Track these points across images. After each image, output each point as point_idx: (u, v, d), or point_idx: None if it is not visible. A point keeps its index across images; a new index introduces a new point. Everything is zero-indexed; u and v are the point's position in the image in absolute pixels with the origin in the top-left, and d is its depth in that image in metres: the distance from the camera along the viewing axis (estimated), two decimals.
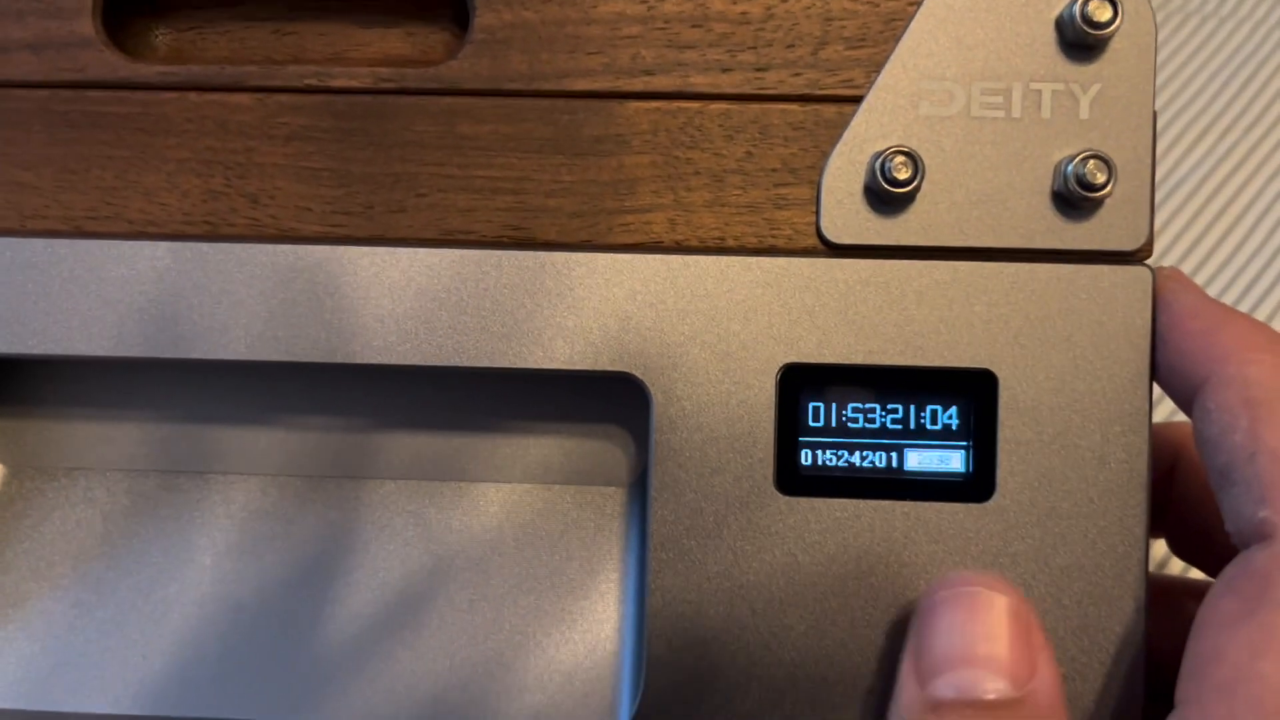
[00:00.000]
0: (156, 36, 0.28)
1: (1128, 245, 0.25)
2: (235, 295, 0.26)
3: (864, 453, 0.26)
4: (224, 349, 0.26)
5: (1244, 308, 0.40)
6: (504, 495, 0.29)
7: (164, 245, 0.26)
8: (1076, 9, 0.25)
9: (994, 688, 0.21)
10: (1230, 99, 0.43)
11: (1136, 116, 0.25)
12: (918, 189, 0.25)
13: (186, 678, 0.27)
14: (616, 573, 0.28)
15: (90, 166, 0.26)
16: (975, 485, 0.25)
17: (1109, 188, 0.25)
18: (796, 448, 0.26)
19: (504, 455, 0.29)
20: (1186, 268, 0.40)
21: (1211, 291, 0.40)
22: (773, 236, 0.26)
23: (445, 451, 0.29)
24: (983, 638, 0.22)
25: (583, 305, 0.26)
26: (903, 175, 0.25)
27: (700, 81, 0.26)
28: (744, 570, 0.25)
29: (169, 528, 0.29)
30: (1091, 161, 0.24)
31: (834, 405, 0.26)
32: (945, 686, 0.22)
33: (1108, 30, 0.24)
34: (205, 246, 0.26)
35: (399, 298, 0.26)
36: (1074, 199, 0.25)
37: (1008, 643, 0.22)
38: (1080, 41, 0.25)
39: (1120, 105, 0.25)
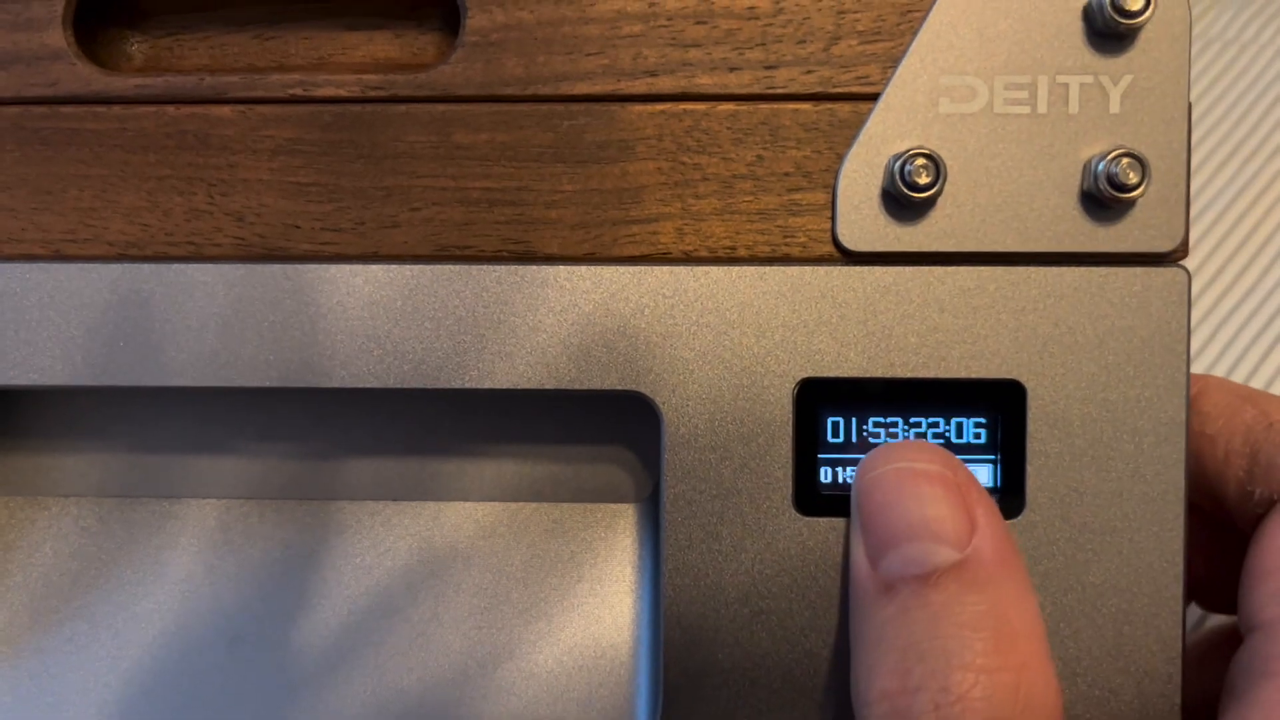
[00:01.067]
0: (132, 45, 0.26)
1: (1162, 247, 0.24)
2: (224, 319, 0.25)
3: None
4: (214, 376, 0.25)
5: (1270, 334, 0.38)
6: (511, 514, 0.28)
7: (147, 268, 0.25)
8: None
9: (937, 554, 0.21)
10: (1253, 125, 0.42)
11: (1171, 110, 0.24)
12: (939, 192, 0.24)
13: (188, 710, 0.26)
14: (630, 595, 0.27)
15: (67, 186, 0.25)
16: (1004, 500, 0.24)
17: (1142, 187, 0.23)
18: (815, 465, 0.25)
19: (510, 473, 0.28)
20: (1211, 294, 0.39)
21: (1238, 316, 0.39)
22: (786, 245, 0.24)
23: (444, 471, 0.28)
24: (917, 508, 0.22)
25: (588, 321, 0.24)
26: (924, 180, 0.23)
27: (706, 82, 0.24)
28: (762, 595, 0.24)
29: (164, 555, 0.28)
30: (1124, 160, 0.23)
31: (854, 420, 0.25)
32: (892, 563, 0.22)
33: (1140, 19, 0.23)
34: (190, 268, 0.25)
35: (394, 318, 0.25)
36: (1105, 199, 0.23)
37: (942, 508, 0.22)
38: (1110, 31, 0.23)
39: (1153, 98, 0.24)
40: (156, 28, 0.26)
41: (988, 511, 0.22)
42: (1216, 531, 0.27)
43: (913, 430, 0.25)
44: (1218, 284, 0.40)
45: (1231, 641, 0.27)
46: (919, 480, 0.22)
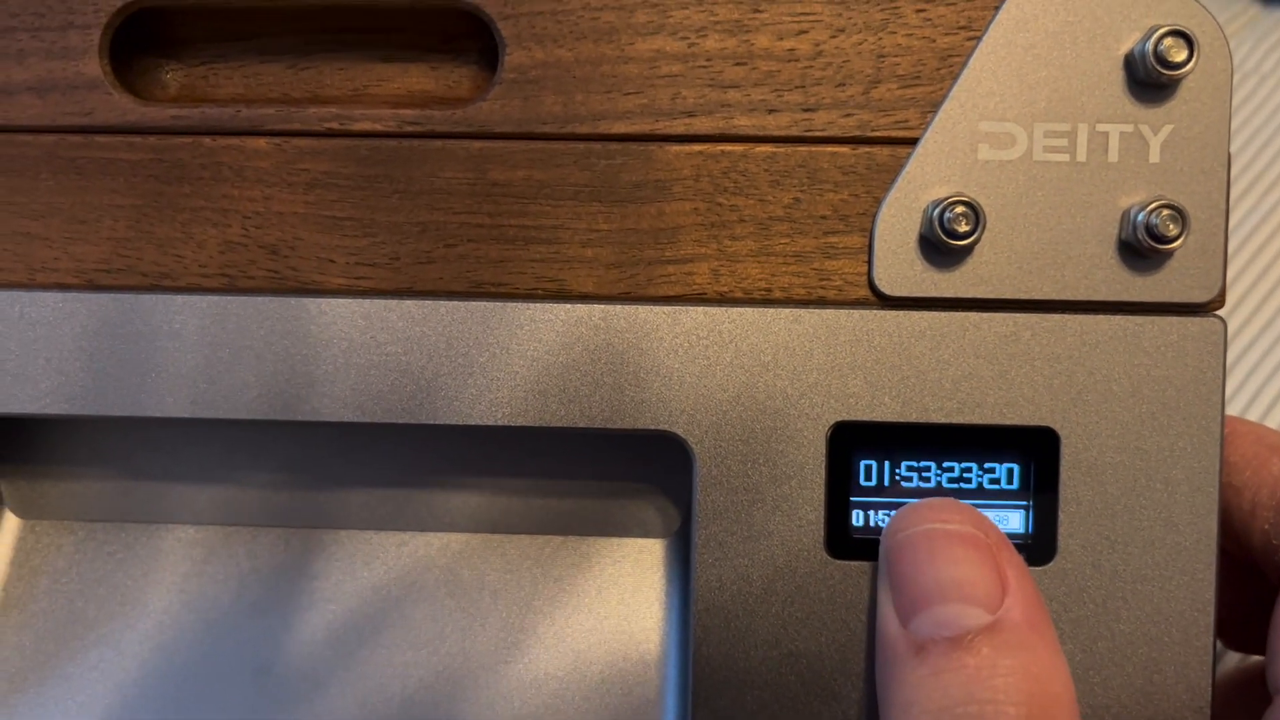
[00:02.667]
0: (167, 74, 0.26)
1: (1199, 297, 0.24)
2: (256, 351, 0.25)
3: None
4: (247, 409, 0.25)
5: None
6: (539, 548, 0.28)
7: (180, 299, 0.25)
8: (1149, 47, 0.23)
9: (970, 617, 0.21)
10: (1273, 156, 0.42)
11: (1211, 160, 0.24)
12: (977, 240, 0.24)
13: None
14: (658, 633, 0.27)
15: (101, 216, 0.25)
16: (1036, 547, 0.24)
17: (1181, 239, 0.23)
18: (848, 508, 0.25)
19: (538, 507, 0.28)
20: (1231, 324, 0.39)
21: (1257, 349, 0.39)
22: (822, 288, 0.24)
23: (472, 504, 0.28)
24: (948, 570, 0.22)
25: (621, 361, 0.24)
26: (963, 228, 0.23)
27: (745, 123, 0.24)
28: (792, 638, 0.24)
29: (190, 581, 0.27)
30: (1164, 211, 0.23)
31: (887, 463, 0.25)
32: (923, 624, 0.22)
33: (1183, 70, 0.23)
34: (223, 300, 0.25)
35: (428, 354, 0.25)
36: (1143, 249, 0.23)
37: (973, 570, 0.22)
38: (1152, 81, 0.23)
39: (1194, 148, 0.24)
40: (191, 56, 0.26)
41: (1019, 573, 0.22)
42: (1242, 572, 0.27)
43: (945, 475, 0.25)
44: (1235, 317, 0.40)
45: (1258, 683, 0.27)
46: (950, 541, 0.22)
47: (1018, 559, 0.22)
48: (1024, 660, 0.21)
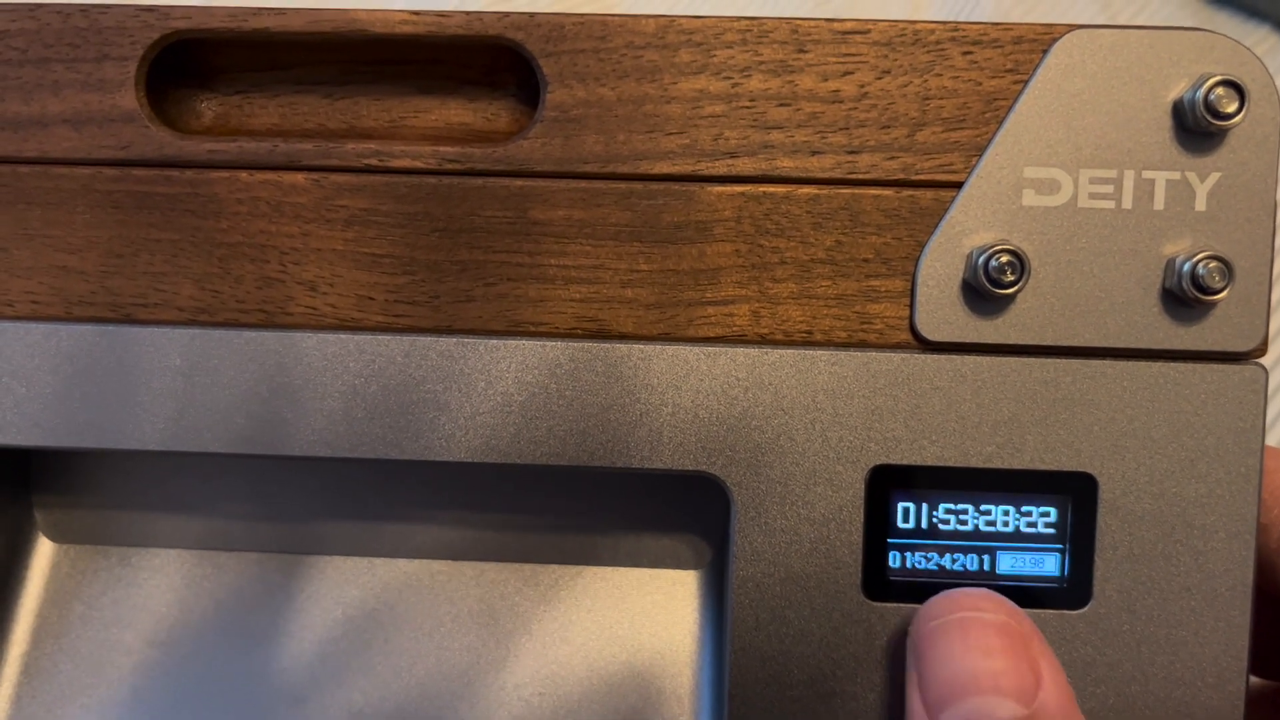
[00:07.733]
0: (202, 103, 0.26)
1: (1241, 346, 0.24)
2: (292, 387, 0.25)
3: (954, 555, 0.25)
4: (283, 445, 0.25)
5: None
6: (572, 579, 0.28)
7: (216, 334, 0.25)
8: (1199, 95, 0.23)
9: (1002, 709, 0.21)
10: None
11: (1257, 209, 0.23)
12: (1021, 288, 0.23)
13: None
14: (691, 669, 0.27)
15: (138, 250, 0.25)
16: (1071, 591, 0.24)
17: (1226, 291, 0.23)
18: (885, 550, 0.25)
19: (572, 537, 0.28)
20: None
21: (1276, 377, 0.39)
22: (863, 331, 0.24)
23: (504, 534, 0.28)
24: (982, 661, 0.21)
25: (660, 401, 0.24)
26: (1008, 277, 0.23)
27: (787, 165, 0.24)
28: (829, 679, 0.24)
29: (225, 609, 0.28)
30: (1212, 263, 0.23)
31: (924, 506, 0.25)
32: (954, 718, 0.21)
33: (1233, 121, 0.23)
34: (260, 335, 0.25)
35: (466, 392, 0.24)
36: (1187, 299, 0.23)
37: (1008, 661, 0.21)
38: (1200, 129, 0.23)
39: (1240, 197, 0.23)
40: (227, 85, 0.26)
41: (1051, 665, 0.21)
42: (1266, 601, 0.27)
43: (983, 518, 0.25)
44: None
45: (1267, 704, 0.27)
46: (984, 630, 0.22)
47: (1049, 651, 0.22)
48: None
